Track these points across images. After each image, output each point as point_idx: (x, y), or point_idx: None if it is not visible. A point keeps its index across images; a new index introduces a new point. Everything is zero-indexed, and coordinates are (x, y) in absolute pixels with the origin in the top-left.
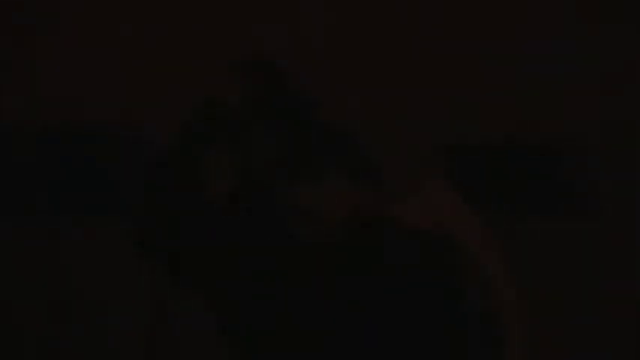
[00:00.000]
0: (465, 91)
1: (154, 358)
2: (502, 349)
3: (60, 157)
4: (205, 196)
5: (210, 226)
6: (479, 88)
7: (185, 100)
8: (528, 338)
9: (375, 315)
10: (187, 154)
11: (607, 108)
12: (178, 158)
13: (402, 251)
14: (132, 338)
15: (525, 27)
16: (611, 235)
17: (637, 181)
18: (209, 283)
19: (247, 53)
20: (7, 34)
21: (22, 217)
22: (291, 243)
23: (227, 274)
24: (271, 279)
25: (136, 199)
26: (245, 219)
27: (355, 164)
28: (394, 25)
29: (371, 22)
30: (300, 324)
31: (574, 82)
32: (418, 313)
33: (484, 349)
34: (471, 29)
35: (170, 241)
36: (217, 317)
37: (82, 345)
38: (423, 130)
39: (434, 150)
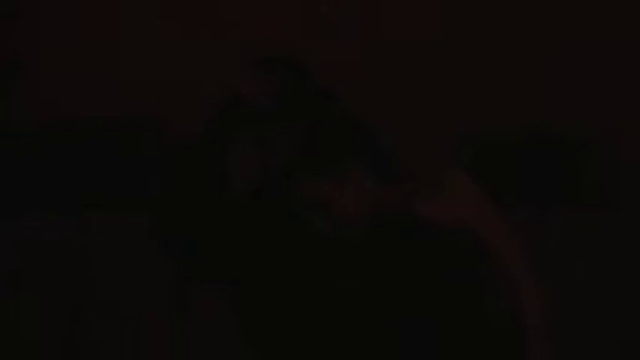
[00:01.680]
0: (488, 84)
1: (178, 350)
2: (524, 347)
3: (79, 153)
4: (227, 192)
5: (231, 222)
6: (502, 80)
7: (207, 96)
8: (551, 336)
9: (397, 311)
10: (209, 149)
11: (631, 100)
12: (200, 154)
13: (424, 248)
14: (155, 334)
15: (556, 21)
16: (633, 227)
17: None
18: (229, 279)
19: (270, 50)
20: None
21: (44, 213)
22: (312, 240)
23: (248, 271)
24: (292, 276)
25: (156, 193)
26: (267, 215)
27: (378, 159)
28: (417, 14)
29: (390, 10)
30: (321, 320)
31: (598, 75)
32: (440, 311)
33: (505, 347)
34: (497, 21)
35: (189, 236)
36: (237, 315)
37: (104, 340)
38: (445, 121)
39: (457, 143)
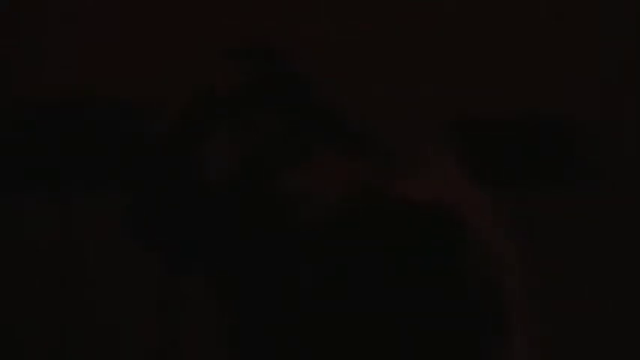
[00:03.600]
0: (473, 65)
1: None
2: (506, 322)
3: (63, 131)
4: (204, 182)
5: (209, 213)
6: (490, 62)
7: (183, 86)
8: (536, 313)
9: (376, 292)
10: (185, 141)
11: (615, 84)
12: (176, 146)
13: (401, 228)
14: (141, 321)
15: (539, 2)
16: (616, 206)
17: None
18: (209, 270)
19: (246, 39)
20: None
21: (26, 191)
22: (289, 227)
23: (227, 262)
24: (272, 264)
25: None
26: (245, 206)
27: (353, 140)
28: None
29: None
30: (303, 307)
31: (585, 58)
32: (418, 291)
33: (486, 323)
34: (484, 2)
35: (168, 228)
36: (219, 304)
37: (90, 319)
38: (432, 103)
39: (438, 124)
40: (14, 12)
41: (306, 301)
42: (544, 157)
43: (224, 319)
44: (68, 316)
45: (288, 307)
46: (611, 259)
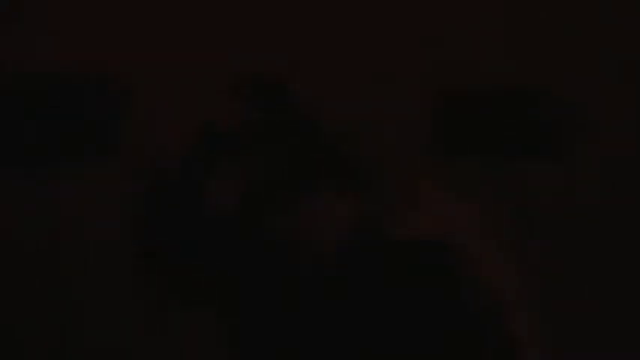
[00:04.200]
0: (452, 41)
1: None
2: (508, 353)
3: (47, 104)
4: (207, 214)
5: (210, 244)
6: (465, 37)
7: (189, 123)
8: (539, 334)
9: (379, 330)
10: (191, 174)
11: (591, 59)
12: (182, 178)
13: (402, 265)
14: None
15: None
16: (588, 175)
17: (615, 126)
18: (208, 299)
19: (248, 74)
20: None
21: (12, 163)
22: (290, 269)
23: (227, 293)
24: (272, 301)
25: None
26: (245, 241)
27: (352, 179)
28: None
29: None
30: (303, 345)
31: (564, 33)
32: (422, 328)
33: (488, 354)
34: None
35: (171, 257)
36: (223, 329)
37: (75, 292)
38: (413, 77)
39: (428, 98)
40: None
41: (307, 334)
42: (520, 129)
43: (225, 338)
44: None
45: (289, 334)
46: (590, 233)
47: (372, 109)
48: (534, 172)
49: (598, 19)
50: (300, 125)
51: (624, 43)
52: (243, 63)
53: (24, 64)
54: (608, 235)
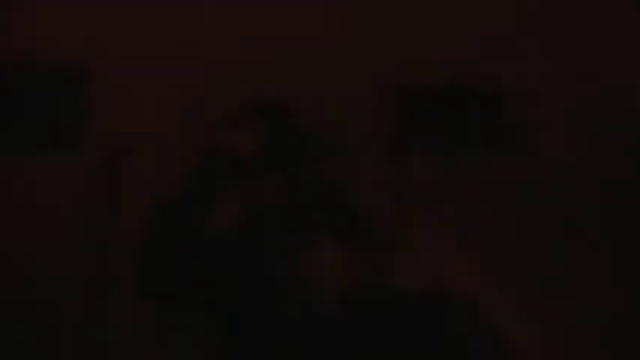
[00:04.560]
0: (416, 37)
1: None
2: None
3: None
4: (210, 235)
5: (210, 268)
6: (429, 33)
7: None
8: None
9: None
10: (195, 200)
11: (547, 53)
12: (186, 204)
13: (402, 317)
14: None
15: None
16: (546, 169)
17: (571, 121)
18: (208, 321)
19: (254, 99)
20: None
21: None
22: (288, 307)
23: (225, 318)
24: (266, 333)
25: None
26: (244, 269)
27: (350, 225)
28: None
29: None
30: None
31: (518, 27)
32: None
33: None
34: None
35: (173, 278)
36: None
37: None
38: (372, 72)
39: (388, 93)
40: None
41: None
42: (484, 124)
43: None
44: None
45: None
46: (538, 220)
47: (333, 107)
48: (497, 165)
49: (556, 17)
50: (300, 152)
51: (576, 38)
52: (207, 51)
53: None
54: (564, 223)
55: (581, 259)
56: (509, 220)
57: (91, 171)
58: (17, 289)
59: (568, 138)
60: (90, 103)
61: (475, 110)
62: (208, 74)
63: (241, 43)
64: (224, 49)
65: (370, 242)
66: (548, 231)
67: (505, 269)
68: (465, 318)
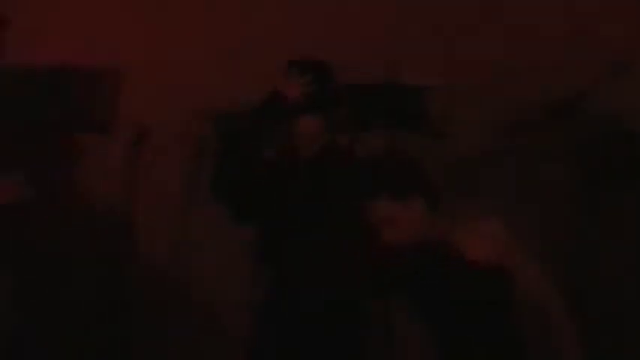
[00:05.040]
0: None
1: None
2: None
3: None
4: (262, 163)
5: (262, 182)
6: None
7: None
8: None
9: (438, 343)
10: (251, 133)
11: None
12: (245, 135)
13: (463, 281)
14: None
15: None
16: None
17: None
18: (260, 220)
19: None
20: None
21: None
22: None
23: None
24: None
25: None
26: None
27: (432, 194)
28: None
29: None
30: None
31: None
32: (477, 343)
33: None
34: None
35: (236, 187)
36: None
37: None
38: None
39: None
40: None
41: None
42: (406, 113)
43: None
44: None
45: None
46: None
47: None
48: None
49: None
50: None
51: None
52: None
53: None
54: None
55: None
56: None
57: (123, 147)
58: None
59: (482, 126)
60: (118, 95)
61: (403, 102)
62: None
63: None
64: None
65: (439, 211)
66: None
67: None
68: (514, 289)
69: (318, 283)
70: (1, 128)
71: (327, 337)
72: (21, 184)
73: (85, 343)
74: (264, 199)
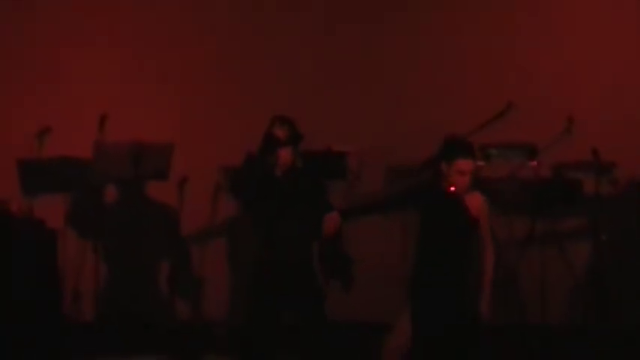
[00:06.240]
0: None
1: None
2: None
3: None
4: (270, 172)
5: (273, 186)
6: None
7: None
8: None
9: None
10: (263, 154)
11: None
12: (260, 156)
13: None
14: None
15: None
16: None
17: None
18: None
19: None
20: None
21: None
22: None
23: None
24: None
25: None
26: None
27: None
28: None
29: None
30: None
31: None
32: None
33: None
34: None
35: (253, 189)
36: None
37: None
38: None
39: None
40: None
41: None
42: None
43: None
44: None
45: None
46: None
47: None
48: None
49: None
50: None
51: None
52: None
53: None
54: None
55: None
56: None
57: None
58: None
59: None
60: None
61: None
62: None
63: None
64: None
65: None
66: None
67: None
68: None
69: (294, 241)
70: None
71: (302, 277)
72: None
73: None
74: (262, 195)
